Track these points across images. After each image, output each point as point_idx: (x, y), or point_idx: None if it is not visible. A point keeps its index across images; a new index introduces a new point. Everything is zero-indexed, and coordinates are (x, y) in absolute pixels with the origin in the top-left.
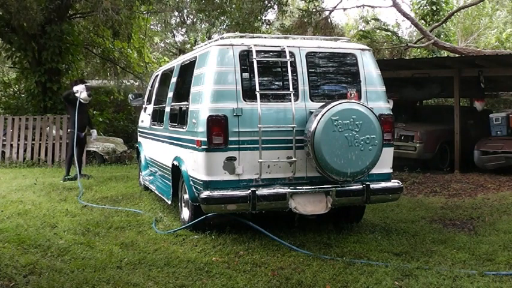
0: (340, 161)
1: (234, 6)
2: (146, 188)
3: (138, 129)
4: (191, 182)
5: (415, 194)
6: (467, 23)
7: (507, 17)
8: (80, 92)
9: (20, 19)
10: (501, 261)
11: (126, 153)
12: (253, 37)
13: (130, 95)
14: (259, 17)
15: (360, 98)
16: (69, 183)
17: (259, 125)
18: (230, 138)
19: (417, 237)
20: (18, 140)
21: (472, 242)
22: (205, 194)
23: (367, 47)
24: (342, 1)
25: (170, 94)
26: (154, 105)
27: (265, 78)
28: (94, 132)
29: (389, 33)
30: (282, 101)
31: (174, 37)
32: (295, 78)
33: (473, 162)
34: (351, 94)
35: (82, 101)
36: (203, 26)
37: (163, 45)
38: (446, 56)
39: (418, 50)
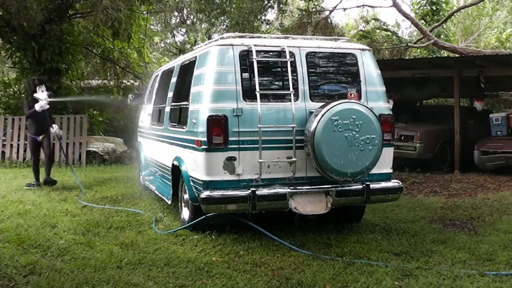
0: (340, 161)
1: (234, 6)
2: (146, 188)
3: (138, 129)
4: (191, 182)
5: (415, 194)
6: (467, 23)
7: (507, 17)
8: (41, 100)
9: (20, 19)
10: (501, 261)
11: (126, 153)
12: (253, 37)
13: (130, 95)
14: (259, 17)
15: (360, 98)
16: (68, 184)
17: (259, 125)
18: (230, 138)
19: (417, 237)
20: (18, 140)
21: (472, 242)
22: (205, 194)
23: (367, 47)
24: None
25: (170, 94)
26: (154, 105)
27: (265, 78)
28: (54, 126)
29: (389, 33)
30: (282, 101)
31: (174, 37)
32: (295, 78)
33: (473, 162)
34: (351, 94)
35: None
36: (203, 26)
37: (163, 45)
38: (446, 56)
39: (418, 50)
